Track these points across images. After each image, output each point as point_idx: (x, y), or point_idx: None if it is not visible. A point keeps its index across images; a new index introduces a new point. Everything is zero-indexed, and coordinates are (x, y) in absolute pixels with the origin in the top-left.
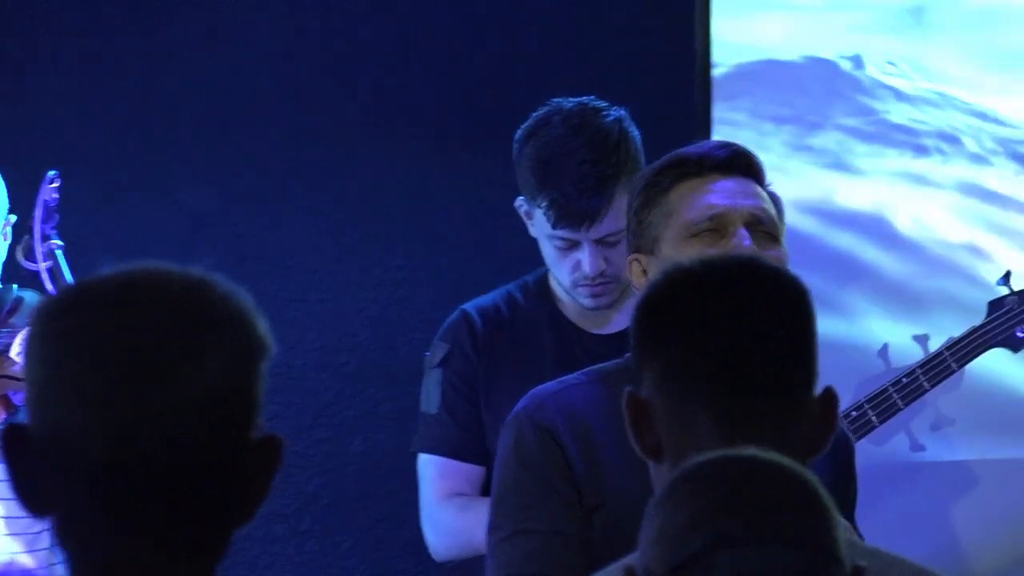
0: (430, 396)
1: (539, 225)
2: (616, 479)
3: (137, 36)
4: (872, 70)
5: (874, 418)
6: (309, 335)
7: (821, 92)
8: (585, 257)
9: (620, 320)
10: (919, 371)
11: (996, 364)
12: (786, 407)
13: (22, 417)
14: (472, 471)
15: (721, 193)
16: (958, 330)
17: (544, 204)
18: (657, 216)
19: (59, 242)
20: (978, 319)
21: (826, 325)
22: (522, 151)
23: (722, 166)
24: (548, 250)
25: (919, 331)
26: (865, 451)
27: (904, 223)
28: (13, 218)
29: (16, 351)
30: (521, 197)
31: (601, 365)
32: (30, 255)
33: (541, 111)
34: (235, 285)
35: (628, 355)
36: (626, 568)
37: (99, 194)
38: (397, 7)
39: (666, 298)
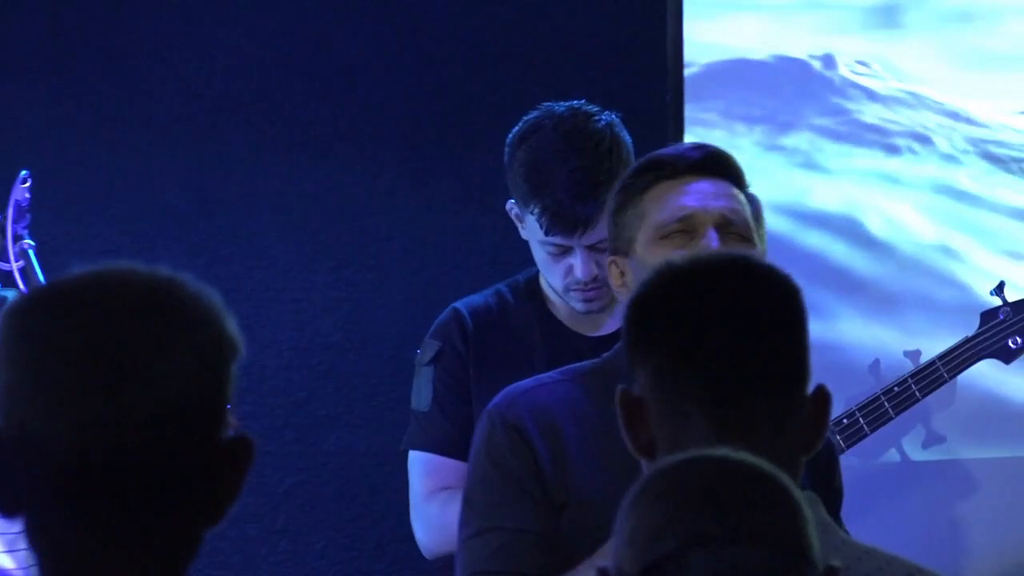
0: (421, 393)
1: (531, 230)
2: (584, 477)
3: (110, 36)
4: (844, 70)
5: (865, 426)
6: (282, 335)
7: (793, 92)
8: (578, 263)
9: (612, 323)
10: (911, 380)
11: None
12: (779, 406)
13: None
14: (462, 468)
15: (693, 195)
16: (929, 329)
17: (536, 211)
18: (631, 218)
19: (31, 242)
20: (949, 318)
21: None
22: (514, 156)
23: (696, 168)
24: (540, 255)
25: (891, 330)
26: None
27: (876, 223)
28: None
29: None
30: (512, 200)
31: (577, 364)
32: (2, 255)
33: (532, 115)
34: (205, 285)
35: (605, 355)
36: (599, 569)
37: (71, 194)
38: (368, 9)
39: (658, 296)
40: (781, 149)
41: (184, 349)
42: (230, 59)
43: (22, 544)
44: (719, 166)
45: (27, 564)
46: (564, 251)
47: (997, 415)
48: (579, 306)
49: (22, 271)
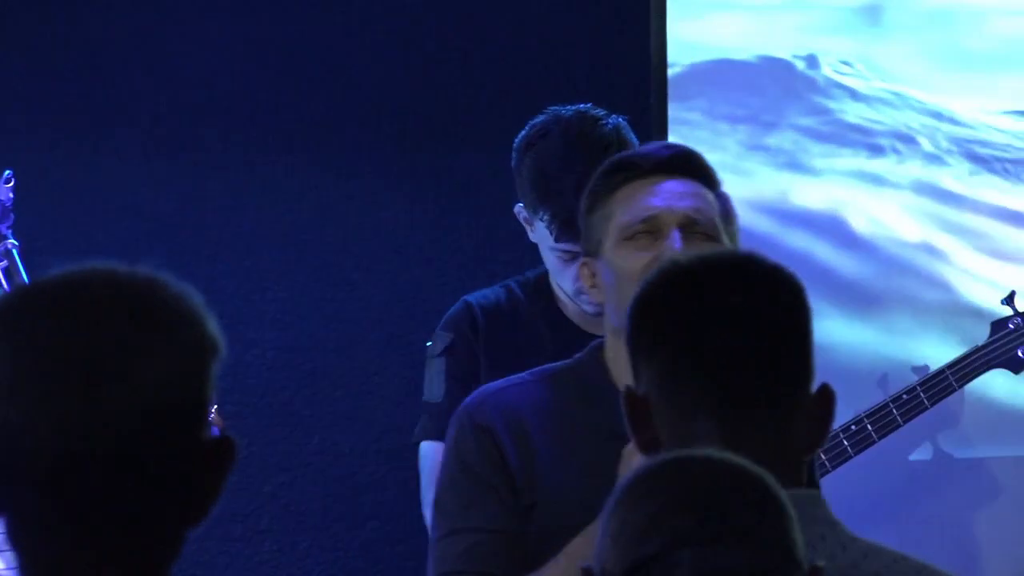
0: (433, 385)
1: (540, 235)
2: (552, 478)
3: (92, 34)
4: (827, 70)
5: (873, 433)
6: (265, 335)
7: (776, 92)
8: None
9: None
10: (919, 388)
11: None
12: (783, 404)
13: None
14: None
15: (658, 195)
16: (913, 329)
17: (546, 218)
18: (600, 220)
19: (15, 242)
20: (933, 318)
21: None
22: (521, 162)
23: (663, 168)
24: (550, 260)
25: (875, 330)
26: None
27: (860, 223)
28: None
29: None
30: (520, 204)
31: (549, 364)
32: None
33: (538, 120)
34: (186, 285)
35: (577, 355)
36: (583, 569)
37: (55, 194)
38: (353, 11)
39: (661, 294)
40: (765, 149)
41: (165, 349)
42: (215, 60)
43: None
44: (687, 166)
45: (15, 565)
46: (574, 256)
47: (1010, 415)
48: (590, 308)
49: (5, 271)
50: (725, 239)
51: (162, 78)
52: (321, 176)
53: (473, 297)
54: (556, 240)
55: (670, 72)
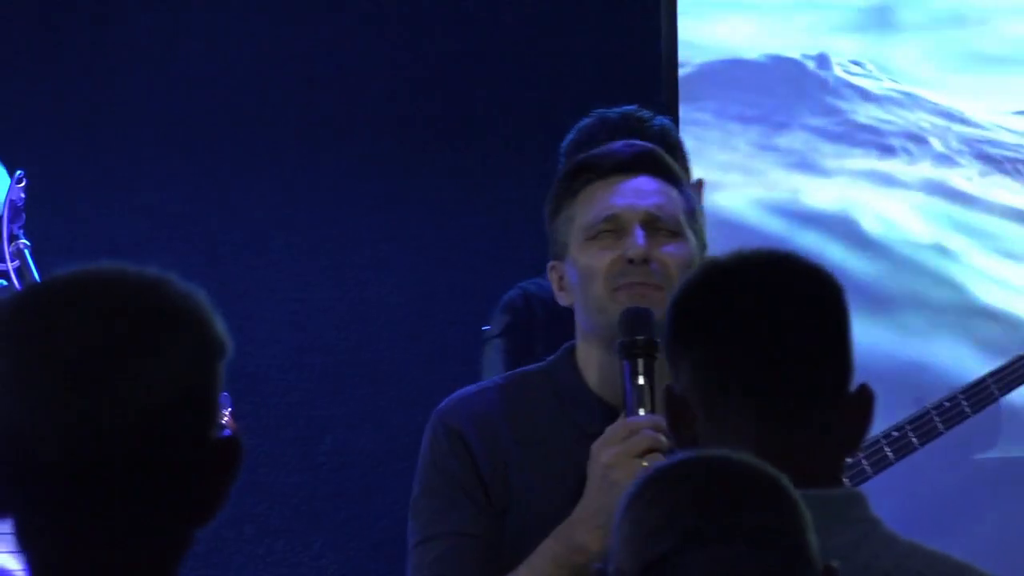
0: (493, 366)
1: None
2: (525, 482)
3: (104, 34)
4: (838, 70)
5: (915, 440)
6: (279, 335)
7: (787, 92)
8: None
9: None
10: (961, 396)
11: None
12: (822, 403)
13: None
14: None
15: (620, 194)
16: (924, 329)
17: None
18: (564, 222)
19: (26, 242)
20: (944, 318)
21: None
22: (568, 164)
23: (625, 167)
24: None
25: (886, 330)
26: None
27: (871, 223)
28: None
29: None
30: None
31: (522, 368)
32: None
33: (585, 122)
34: (192, 285)
35: (549, 359)
36: (595, 570)
37: (67, 194)
38: (365, 9)
39: (700, 293)
40: (776, 149)
41: (172, 349)
42: (229, 60)
43: None
44: (649, 164)
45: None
46: None
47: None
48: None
49: (18, 271)
50: (690, 235)
51: (175, 78)
52: (335, 176)
53: (528, 284)
54: None
55: (681, 72)
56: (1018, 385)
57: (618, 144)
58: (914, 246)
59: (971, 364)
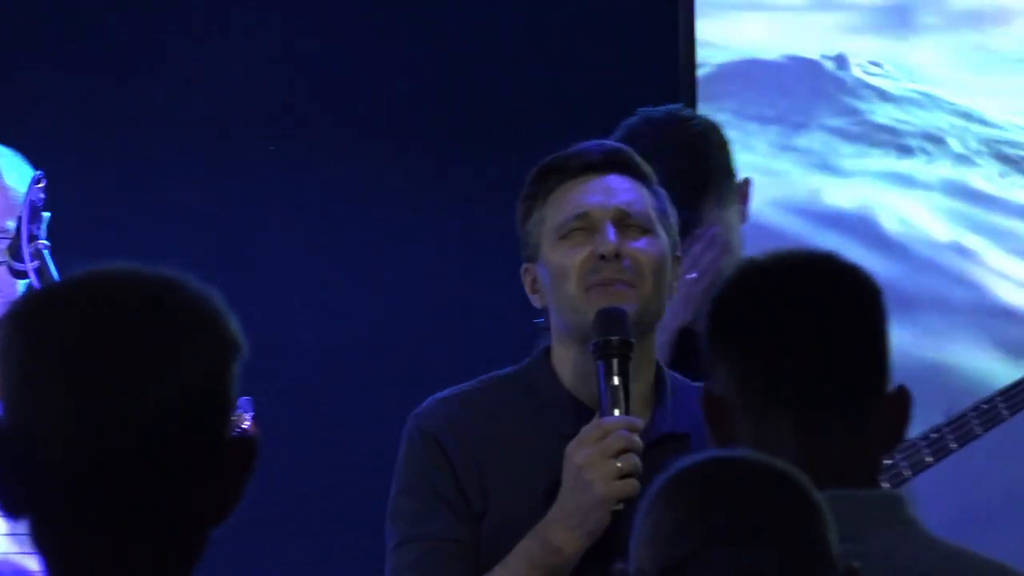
0: None
1: None
2: (502, 485)
3: (125, 34)
4: (856, 70)
5: (952, 443)
6: (306, 335)
7: (805, 92)
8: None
9: None
10: (999, 399)
11: None
12: (861, 404)
13: None
14: None
15: (590, 193)
16: (944, 330)
17: None
18: (535, 224)
19: (46, 242)
20: (964, 318)
21: None
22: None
23: (594, 167)
24: None
25: (906, 330)
26: None
27: (890, 223)
28: (47, 215)
29: None
30: None
31: (497, 372)
32: (17, 255)
33: (629, 121)
34: (206, 285)
35: (524, 361)
36: (616, 569)
37: (88, 194)
38: (388, 10)
39: (738, 294)
40: (794, 149)
41: (185, 349)
42: (251, 57)
43: None
44: (618, 163)
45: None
46: None
47: None
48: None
49: (37, 271)
50: (662, 232)
51: (198, 77)
52: (359, 176)
53: None
54: None
55: (699, 72)
56: None
57: (587, 144)
58: (933, 246)
59: (990, 364)
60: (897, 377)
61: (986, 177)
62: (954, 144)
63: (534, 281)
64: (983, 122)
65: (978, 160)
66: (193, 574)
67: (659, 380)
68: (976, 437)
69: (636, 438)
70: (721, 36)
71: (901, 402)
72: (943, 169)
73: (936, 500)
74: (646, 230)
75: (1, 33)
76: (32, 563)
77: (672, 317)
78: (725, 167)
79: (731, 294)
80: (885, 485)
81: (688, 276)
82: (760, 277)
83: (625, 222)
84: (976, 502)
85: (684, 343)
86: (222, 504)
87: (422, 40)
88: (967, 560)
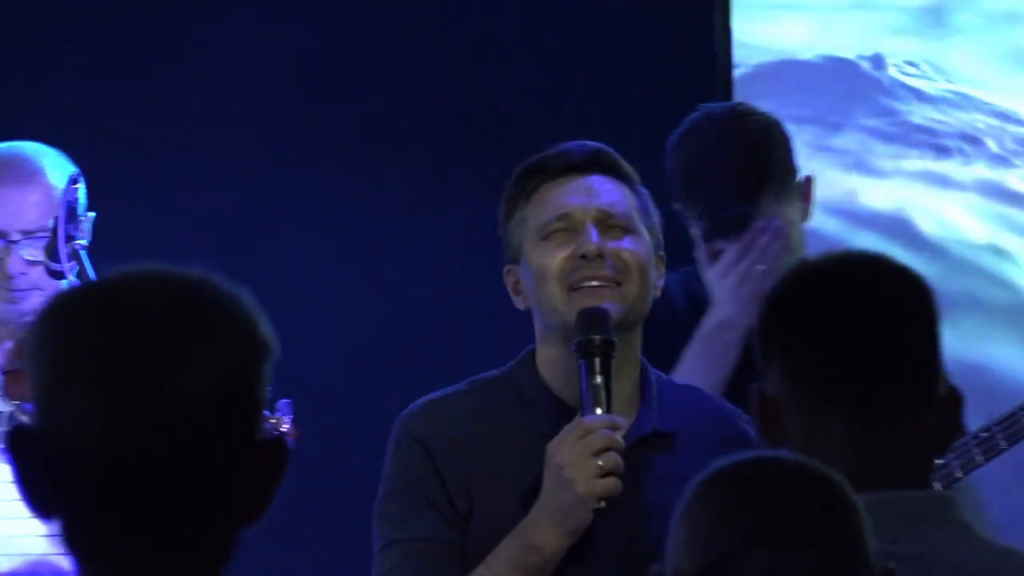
0: None
1: (695, 232)
2: (487, 486)
3: (143, 35)
4: (892, 71)
5: (1002, 441)
6: (322, 336)
7: (842, 93)
8: None
9: None
10: None
11: None
12: (913, 405)
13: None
14: None
15: (571, 193)
16: (981, 330)
17: (693, 216)
18: (517, 225)
19: (83, 242)
20: (1001, 319)
21: None
22: (671, 161)
23: (576, 168)
24: (702, 256)
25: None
26: None
27: (927, 224)
28: (92, 215)
29: None
30: (678, 204)
31: (482, 374)
32: (54, 256)
33: (690, 118)
34: (237, 285)
35: (509, 364)
36: (652, 570)
37: (109, 194)
38: (412, 8)
39: (791, 294)
40: (831, 150)
41: (217, 350)
42: (267, 59)
43: None
44: (600, 164)
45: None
46: (717, 255)
47: None
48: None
49: (75, 272)
50: (644, 232)
51: (214, 77)
52: (377, 176)
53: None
54: (705, 239)
55: (735, 73)
56: None
57: (570, 145)
58: (970, 247)
59: None
60: None
61: (1023, 177)
62: (991, 144)
63: (517, 282)
64: (1020, 122)
65: (1015, 161)
66: (224, 574)
67: (644, 379)
68: None
69: (618, 437)
70: (757, 36)
71: (953, 403)
72: (980, 170)
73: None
74: (628, 230)
75: (25, 37)
76: (64, 562)
77: (740, 313)
78: (785, 163)
79: (784, 294)
80: (936, 485)
81: (757, 268)
82: (813, 277)
83: (607, 222)
84: None
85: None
86: (253, 505)
87: (448, 41)
88: (1018, 560)
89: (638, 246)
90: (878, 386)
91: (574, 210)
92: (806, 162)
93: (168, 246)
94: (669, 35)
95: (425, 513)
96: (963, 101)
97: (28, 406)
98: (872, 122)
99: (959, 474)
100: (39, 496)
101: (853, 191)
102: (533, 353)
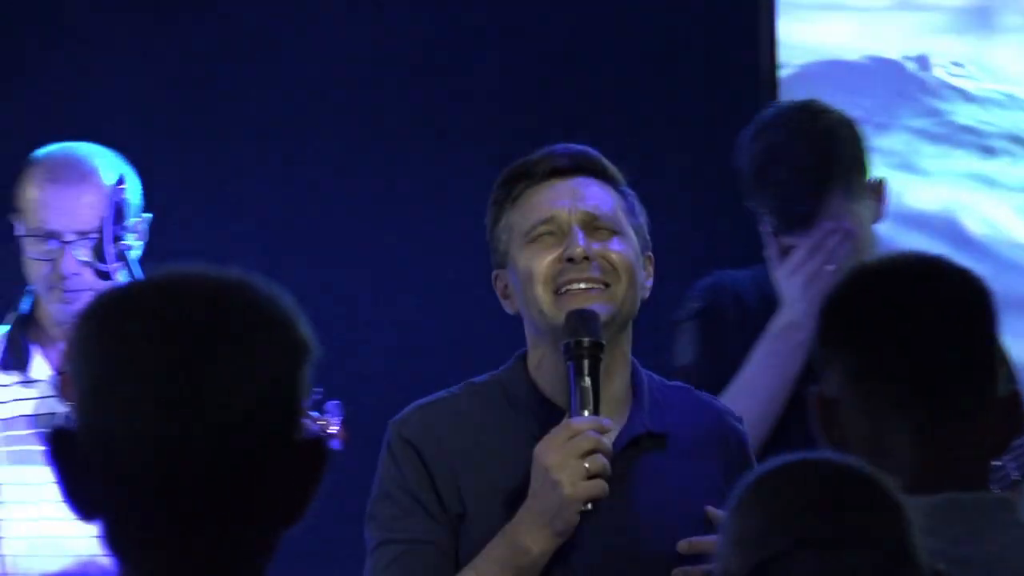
0: (683, 349)
1: (765, 228)
2: (477, 489)
3: (209, 35)
4: (938, 71)
5: None
6: (384, 336)
7: (887, 93)
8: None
9: None
10: None
11: None
12: (973, 406)
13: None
14: None
15: (556, 196)
16: None
17: (763, 211)
18: (503, 230)
19: (131, 242)
20: None
21: None
22: (742, 156)
23: (560, 171)
24: (771, 251)
25: None
26: None
27: (973, 224)
28: (148, 216)
29: None
30: (749, 200)
31: (476, 378)
32: (101, 256)
33: (764, 113)
34: (276, 286)
35: (502, 368)
36: (704, 572)
37: (170, 194)
38: (470, 5)
39: (851, 296)
40: (877, 150)
41: (257, 351)
42: (335, 60)
43: None
44: (584, 166)
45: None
46: (787, 250)
47: None
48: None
49: (121, 272)
50: (631, 233)
51: (278, 78)
52: (442, 177)
53: (722, 273)
54: (775, 233)
55: (781, 73)
56: None
57: (554, 148)
58: (1017, 247)
59: None
60: None
61: None
62: None
63: (506, 287)
64: None
65: None
66: (266, 573)
67: (635, 380)
68: None
69: (604, 439)
70: (803, 37)
71: (1013, 405)
72: None
73: None
74: (615, 231)
75: (77, 38)
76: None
77: (808, 314)
78: (856, 161)
79: (845, 295)
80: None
81: (826, 269)
82: (873, 279)
83: (593, 224)
84: None
85: None
86: (294, 505)
87: (505, 41)
88: None
89: (624, 247)
90: (938, 388)
91: (559, 213)
92: None
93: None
94: (715, 37)
95: (416, 515)
96: (1009, 101)
97: None
98: (918, 123)
99: (1015, 476)
100: (82, 497)
101: (899, 192)
102: (525, 356)
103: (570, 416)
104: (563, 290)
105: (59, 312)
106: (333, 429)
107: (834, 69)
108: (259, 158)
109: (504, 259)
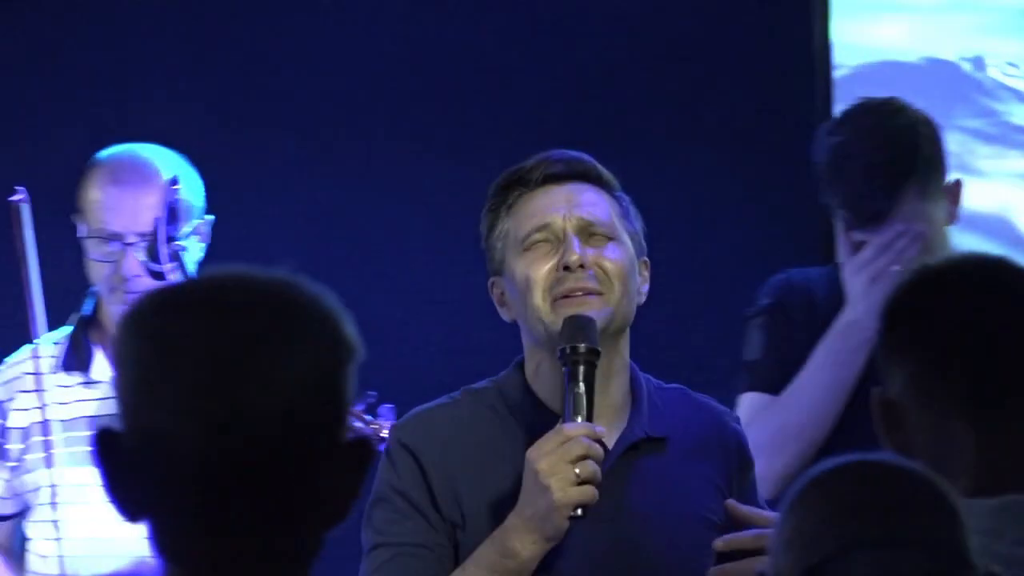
0: (751, 344)
1: (839, 224)
2: (474, 495)
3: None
4: (993, 72)
5: None
6: (434, 336)
7: (942, 94)
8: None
9: None
10: None
11: None
12: None
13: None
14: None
15: (551, 204)
16: None
17: (836, 206)
18: (499, 238)
19: (185, 243)
20: None
21: None
22: (819, 150)
23: (554, 177)
24: (842, 248)
25: None
26: None
27: None
28: (211, 218)
29: None
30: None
31: (475, 384)
32: (154, 257)
33: (844, 109)
34: (322, 287)
35: (501, 374)
36: (757, 573)
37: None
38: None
39: (914, 298)
40: None
41: (302, 351)
42: (372, 62)
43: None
44: (578, 172)
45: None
46: (859, 246)
47: None
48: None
49: (175, 272)
50: (626, 238)
51: (312, 80)
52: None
53: (794, 271)
54: (847, 228)
55: (835, 74)
56: None
57: (548, 154)
58: None
59: None
60: None
61: None
62: None
63: (502, 294)
64: None
65: None
66: (311, 572)
67: (634, 384)
68: None
69: (596, 445)
70: (858, 38)
71: None
72: None
73: None
74: (610, 237)
75: (127, 39)
76: None
77: (871, 314)
78: (931, 161)
79: (909, 298)
80: None
81: (892, 269)
82: (936, 281)
83: (589, 231)
84: None
85: None
86: (339, 505)
87: (546, 42)
88: None
89: (620, 253)
90: (1002, 390)
91: (555, 220)
92: None
93: (291, 245)
94: (769, 37)
95: (411, 520)
96: None
97: None
98: (973, 123)
99: None
100: (127, 498)
101: None
102: (522, 363)
103: (563, 422)
104: (560, 298)
105: (120, 313)
106: (384, 433)
107: (888, 70)
108: (299, 160)
109: (500, 266)
